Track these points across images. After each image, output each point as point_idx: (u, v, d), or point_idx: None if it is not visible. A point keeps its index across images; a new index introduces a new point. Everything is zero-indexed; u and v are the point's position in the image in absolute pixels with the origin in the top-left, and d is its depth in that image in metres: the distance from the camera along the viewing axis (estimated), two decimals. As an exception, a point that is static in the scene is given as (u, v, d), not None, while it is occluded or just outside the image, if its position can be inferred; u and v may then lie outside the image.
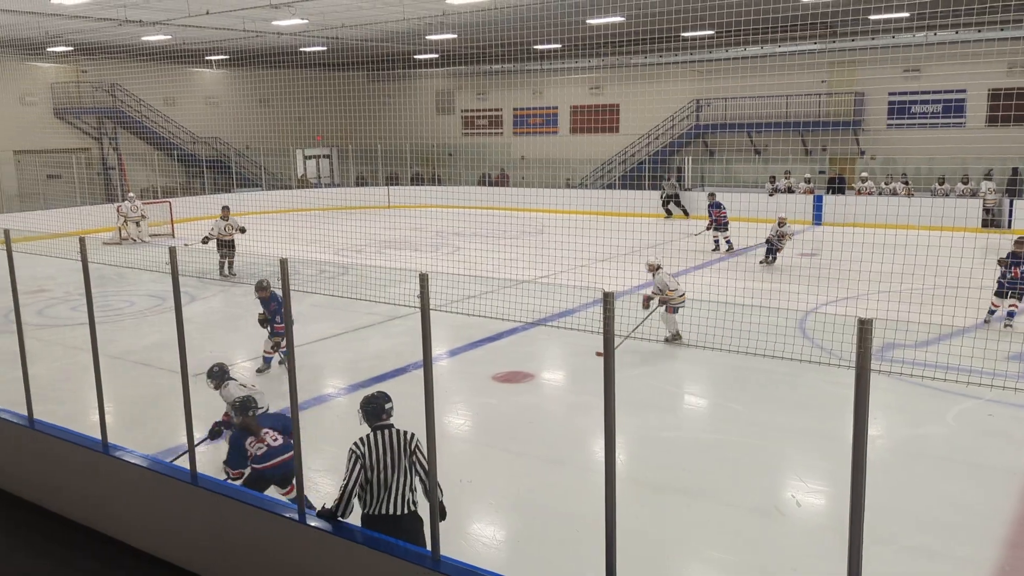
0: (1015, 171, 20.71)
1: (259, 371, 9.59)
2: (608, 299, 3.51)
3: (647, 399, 8.60)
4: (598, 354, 3.80)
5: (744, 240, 17.97)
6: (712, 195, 18.53)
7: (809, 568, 5.40)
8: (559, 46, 25.74)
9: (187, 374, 5.39)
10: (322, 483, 6.47)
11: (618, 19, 19.57)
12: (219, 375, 6.74)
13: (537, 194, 25.51)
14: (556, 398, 9.31)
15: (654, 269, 10.80)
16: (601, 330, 3.53)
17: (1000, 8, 17.51)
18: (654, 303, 10.38)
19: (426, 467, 4.36)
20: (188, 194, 25.76)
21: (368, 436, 4.52)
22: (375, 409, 4.57)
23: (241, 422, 5.75)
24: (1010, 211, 20.00)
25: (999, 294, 11.26)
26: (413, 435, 4.54)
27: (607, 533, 3.73)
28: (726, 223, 18.00)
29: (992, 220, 20.15)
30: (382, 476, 4.44)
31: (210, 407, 8.42)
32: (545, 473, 6.95)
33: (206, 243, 15.32)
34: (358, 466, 4.41)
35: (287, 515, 4.69)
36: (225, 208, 15.78)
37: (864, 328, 3.29)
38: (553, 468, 7.04)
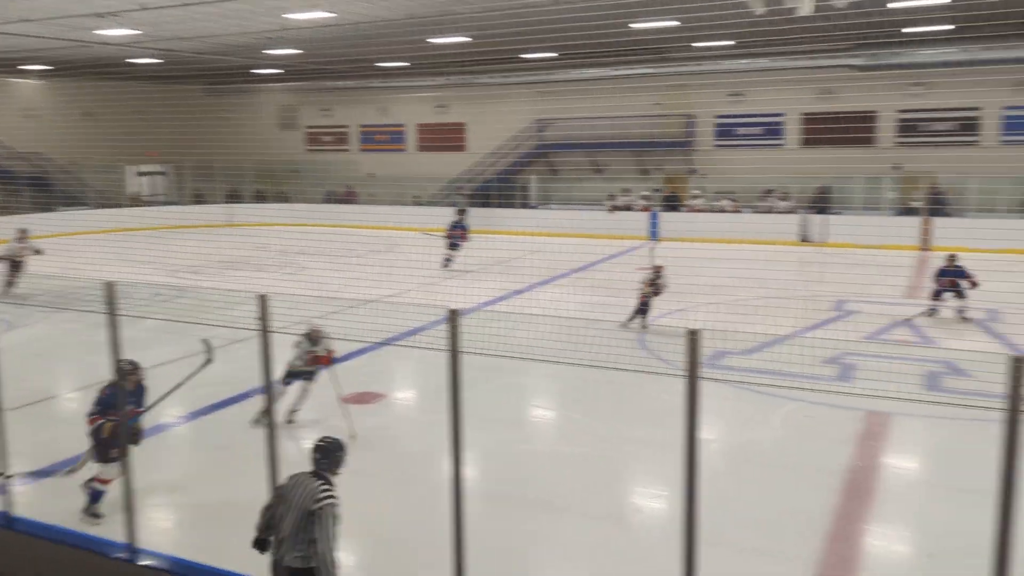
0: (824, 190, 22.57)
1: (93, 514, 6.20)
2: (453, 316, 3.54)
3: (499, 414, 8.69)
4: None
5: (583, 257, 18.53)
6: (461, 215, 18.78)
7: (656, 571, 5.61)
8: (406, 64, 25.75)
9: (1, 407, 4.96)
10: (156, 517, 6.11)
11: (462, 39, 19.82)
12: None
13: (385, 212, 25.36)
14: (408, 417, 9.24)
15: (316, 336, 8.45)
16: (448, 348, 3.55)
17: (811, 39, 19.13)
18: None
19: (318, 534, 4.18)
20: (5, 213, 23.71)
21: (300, 472, 4.43)
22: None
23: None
24: (810, 226, 21.73)
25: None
26: (326, 499, 4.25)
27: (455, 552, 3.74)
28: (457, 245, 18.20)
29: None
30: (281, 512, 4.33)
31: (29, 441, 7.81)
32: (399, 495, 6.88)
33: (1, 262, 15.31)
34: (275, 494, 4.42)
35: (114, 556, 4.39)
36: (21, 230, 15.72)
37: (692, 338, 3.50)
38: (407, 489, 6.98)
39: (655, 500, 6.74)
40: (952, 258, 12.97)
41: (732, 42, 21.00)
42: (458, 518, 3.77)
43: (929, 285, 13.20)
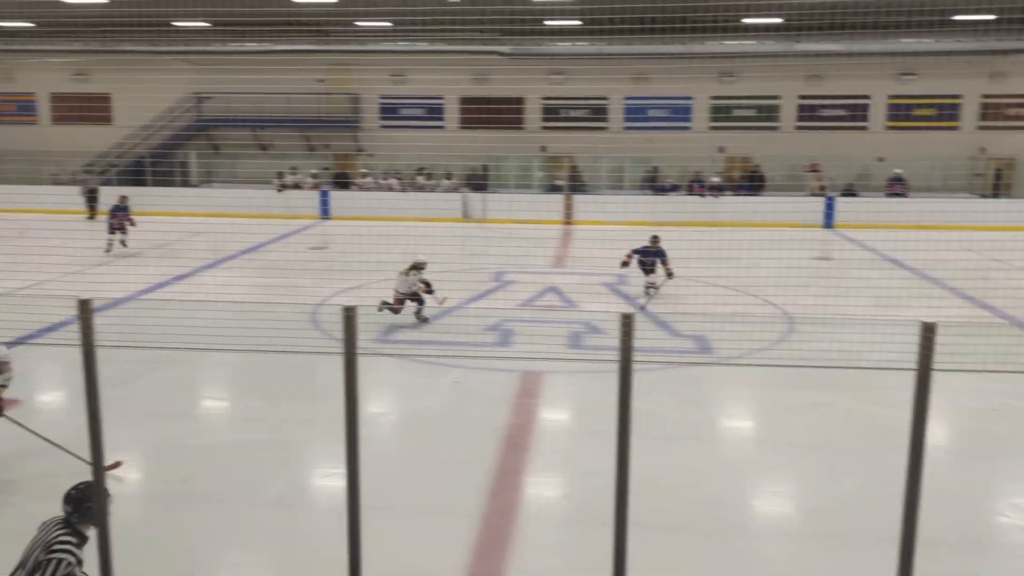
0: (484, 168, 24.09)
1: None
2: (84, 308, 3.33)
3: (165, 408, 8.23)
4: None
5: (252, 238, 17.96)
6: (123, 198, 17.55)
7: (329, 548, 5.72)
8: (31, 24, 22.74)
9: None
10: None
11: (98, 0, 17.99)
12: None
13: (16, 192, 22.33)
14: (53, 423, 8.33)
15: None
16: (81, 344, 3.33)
17: (463, 24, 20.19)
18: None
19: None
20: None
21: (55, 517, 3.85)
22: None
23: None
24: (471, 203, 23.16)
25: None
26: (58, 553, 3.63)
27: (100, 563, 3.55)
28: (123, 228, 17.06)
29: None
30: (23, 558, 3.72)
31: None
32: (42, 510, 6.23)
33: None
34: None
35: None
36: None
37: (348, 315, 3.64)
38: (52, 505, 6.34)
39: (329, 478, 6.84)
40: (654, 240, 12.70)
41: (389, 23, 21.45)
42: (103, 527, 3.57)
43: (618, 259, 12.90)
